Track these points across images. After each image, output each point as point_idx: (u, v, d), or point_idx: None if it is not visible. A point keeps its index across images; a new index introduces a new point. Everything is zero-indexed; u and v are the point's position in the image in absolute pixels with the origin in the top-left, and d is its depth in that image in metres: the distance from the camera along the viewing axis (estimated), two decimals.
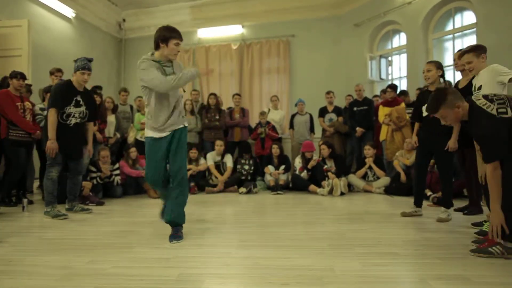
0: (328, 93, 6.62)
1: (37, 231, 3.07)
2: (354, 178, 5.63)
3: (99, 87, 5.82)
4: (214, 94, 6.60)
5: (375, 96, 6.81)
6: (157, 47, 2.84)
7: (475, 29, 5.57)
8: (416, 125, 3.67)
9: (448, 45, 6.37)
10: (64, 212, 3.75)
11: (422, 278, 1.86)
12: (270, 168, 5.93)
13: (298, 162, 5.82)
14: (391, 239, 2.67)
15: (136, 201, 4.80)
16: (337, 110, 6.61)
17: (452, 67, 6.18)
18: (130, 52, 8.76)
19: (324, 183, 5.33)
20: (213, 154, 6.01)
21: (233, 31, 8.23)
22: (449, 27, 6.26)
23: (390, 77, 7.47)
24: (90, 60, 3.77)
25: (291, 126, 6.76)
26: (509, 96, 2.27)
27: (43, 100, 4.76)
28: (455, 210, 3.78)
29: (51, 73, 4.83)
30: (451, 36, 6.21)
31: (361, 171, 5.61)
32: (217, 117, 6.38)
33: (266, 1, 7.87)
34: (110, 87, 7.97)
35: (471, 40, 5.77)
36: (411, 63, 6.57)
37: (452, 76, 6.18)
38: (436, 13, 6.26)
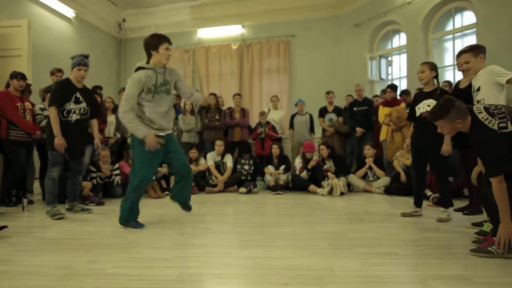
0: (328, 93, 6.63)
1: (37, 231, 3.07)
2: (354, 178, 5.63)
3: (99, 87, 5.82)
4: (214, 94, 6.60)
5: (375, 96, 6.81)
6: (149, 55, 3.06)
7: (475, 29, 5.57)
8: (412, 125, 3.69)
9: (448, 45, 6.36)
10: (63, 211, 3.76)
11: (422, 278, 1.86)
12: (270, 168, 5.93)
13: (298, 162, 5.83)
14: (391, 239, 2.67)
15: None
16: (337, 110, 6.61)
17: (452, 67, 6.20)
18: (130, 52, 8.76)
19: (324, 183, 5.33)
20: (213, 154, 6.01)
21: (233, 31, 8.23)
22: (449, 27, 6.26)
23: (390, 77, 7.47)
24: (86, 56, 3.77)
25: (291, 126, 6.76)
26: (509, 108, 2.28)
27: (43, 100, 4.76)
28: (455, 210, 3.78)
29: (52, 73, 4.83)
30: (451, 36, 6.21)
31: (361, 171, 5.61)
32: (217, 117, 6.38)
33: (266, 1, 7.87)
34: (110, 87, 7.97)
35: (471, 40, 5.76)
36: (411, 63, 6.56)
37: (452, 76, 6.19)
38: (436, 13, 6.26)
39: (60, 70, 4.86)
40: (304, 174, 5.68)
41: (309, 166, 5.68)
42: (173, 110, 3.38)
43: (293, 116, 6.81)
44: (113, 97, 5.99)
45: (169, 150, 3.21)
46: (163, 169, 5.45)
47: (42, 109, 4.59)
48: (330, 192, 5.19)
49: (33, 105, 4.57)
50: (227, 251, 2.41)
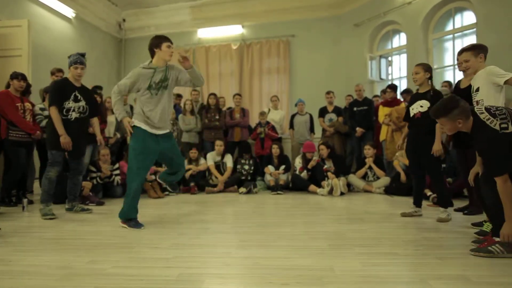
0: (328, 93, 6.63)
1: (37, 231, 3.07)
2: (354, 178, 5.63)
3: (99, 87, 5.82)
4: (214, 94, 6.60)
5: (375, 96, 6.81)
6: (153, 54, 3.28)
7: (475, 29, 5.57)
8: (407, 126, 3.71)
9: (448, 45, 6.36)
10: (64, 211, 3.76)
11: (422, 278, 1.86)
12: (270, 168, 5.93)
13: (298, 162, 5.83)
14: (391, 239, 2.67)
15: None
16: (337, 110, 6.61)
17: (452, 67, 6.20)
18: (130, 52, 8.76)
19: (324, 183, 5.33)
20: (213, 154, 6.01)
21: (233, 31, 8.23)
22: (449, 27, 6.26)
23: (390, 77, 7.47)
24: (82, 55, 3.78)
25: (291, 126, 6.76)
26: (509, 109, 2.30)
27: (43, 100, 4.76)
28: (455, 210, 3.79)
29: (52, 73, 4.83)
30: (451, 36, 6.21)
31: (361, 171, 5.61)
32: (217, 117, 6.38)
33: (266, 1, 7.87)
34: (110, 87, 7.89)
35: (471, 40, 5.76)
36: (411, 63, 6.56)
37: (452, 76, 6.19)
38: (436, 13, 6.26)
39: (60, 70, 4.86)
40: (304, 174, 5.68)
41: (309, 166, 5.68)
42: (172, 110, 3.46)
43: (293, 116, 6.81)
44: None
45: (166, 150, 3.31)
46: (163, 170, 5.45)
47: (42, 109, 4.59)
48: (330, 192, 5.19)
49: (33, 105, 4.57)
50: (227, 251, 2.41)
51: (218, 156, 5.99)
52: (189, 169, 5.82)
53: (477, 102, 2.84)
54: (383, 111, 5.86)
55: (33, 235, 2.90)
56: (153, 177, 5.15)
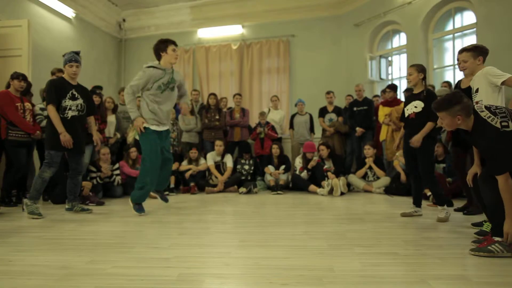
0: (328, 93, 6.63)
1: (37, 231, 3.06)
2: (354, 178, 5.63)
3: (99, 87, 5.82)
4: (214, 94, 6.60)
5: (375, 96, 6.82)
6: (159, 57, 3.63)
7: (475, 29, 5.57)
8: (403, 126, 3.73)
9: (448, 45, 6.36)
10: (64, 211, 3.75)
11: (422, 278, 1.86)
12: (270, 168, 5.93)
13: (298, 162, 5.83)
14: (391, 239, 2.67)
15: None
16: (337, 110, 6.61)
17: (452, 67, 6.20)
18: (130, 52, 8.76)
19: (324, 183, 5.33)
20: (213, 154, 6.01)
21: (233, 31, 8.23)
22: (449, 27, 6.26)
23: (390, 77, 7.47)
24: (77, 53, 3.78)
25: (291, 126, 6.76)
26: (509, 109, 2.31)
27: (43, 100, 4.76)
28: (455, 210, 3.79)
29: (52, 73, 4.83)
30: (451, 36, 6.21)
31: (361, 171, 5.61)
32: (217, 117, 6.38)
33: (266, 1, 7.87)
34: (110, 87, 7.97)
35: (471, 40, 5.77)
36: (411, 63, 6.50)
37: (452, 76, 6.19)
38: (436, 13, 6.26)
39: (60, 70, 4.85)
40: (304, 174, 5.68)
41: (309, 166, 5.68)
42: (173, 110, 3.68)
43: (293, 116, 6.81)
44: (113, 97, 6.00)
45: (164, 144, 3.84)
46: None
47: (42, 109, 4.59)
48: (330, 192, 5.19)
49: (33, 105, 4.57)
50: (227, 251, 2.41)
51: (218, 156, 5.99)
52: (189, 169, 5.83)
53: (477, 103, 2.85)
54: (383, 111, 5.86)
55: (33, 235, 2.90)
56: None
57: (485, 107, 2.33)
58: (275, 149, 6.05)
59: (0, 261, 2.19)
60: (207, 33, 8.38)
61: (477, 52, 3.01)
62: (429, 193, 4.47)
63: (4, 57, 5.20)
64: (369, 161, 5.57)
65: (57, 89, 3.68)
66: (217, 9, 8.11)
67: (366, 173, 5.62)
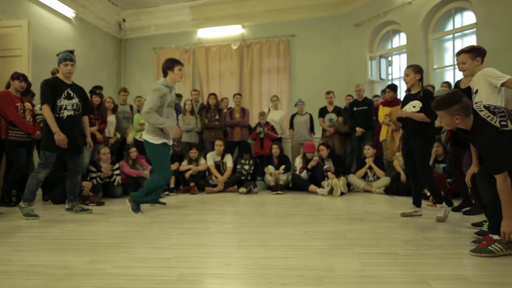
0: (328, 93, 6.63)
1: (37, 231, 3.06)
2: (354, 178, 5.63)
3: (99, 87, 5.82)
4: (214, 94, 6.60)
5: (375, 96, 6.81)
6: (165, 74, 3.84)
7: (475, 29, 5.57)
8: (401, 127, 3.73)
9: (448, 45, 6.36)
10: (64, 211, 3.75)
11: (422, 278, 1.86)
12: (270, 168, 5.93)
13: (298, 162, 5.83)
14: (391, 239, 2.67)
15: None
16: (337, 110, 6.61)
17: (452, 67, 6.20)
18: (130, 52, 8.76)
19: (324, 183, 5.33)
20: (213, 154, 6.01)
21: (233, 31, 8.23)
22: (449, 27, 6.26)
23: (390, 77, 7.47)
24: (71, 52, 3.76)
25: (291, 126, 6.76)
26: (508, 109, 2.32)
27: None
28: (453, 210, 3.79)
29: (53, 74, 4.84)
30: (451, 36, 6.21)
31: (361, 171, 5.61)
32: (217, 117, 6.38)
33: (266, 1, 7.86)
34: (110, 87, 7.97)
35: (471, 40, 5.77)
36: (411, 63, 6.55)
37: (452, 76, 6.19)
38: (436, 13, 6.26)
39: None
40: (304, 174, 5.68)
41: (309, 166, 5.68)
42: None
43: (293, 116, 6.81)
44: (113, 97, 5.99)
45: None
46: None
47: None
48: (330, 192, 5.19)
49: (33, 105, 4.57)
50: (227, 251, 2.41)
51: (218, 156, 5.99)
52: (189, 169, 5.83)
53: (476, 103, 2.86)
54: (383, 111, 5.86)
55: (33, 235, 2.90)
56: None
57: (484, 106, 2.35)
58: (275, 149, 6.05)
59: (0, 261, 2.19)
60: (207, 33, 8.38)
61: (475, 53, 3.03)
62: (429, 193, 4.47)
63: (4, 57, 5.20)
64: (369, 161, 5.57)
65: (52, 89, 3.64)
66: (217, 9, 8.11)
67: (366, 173, 5.62)
